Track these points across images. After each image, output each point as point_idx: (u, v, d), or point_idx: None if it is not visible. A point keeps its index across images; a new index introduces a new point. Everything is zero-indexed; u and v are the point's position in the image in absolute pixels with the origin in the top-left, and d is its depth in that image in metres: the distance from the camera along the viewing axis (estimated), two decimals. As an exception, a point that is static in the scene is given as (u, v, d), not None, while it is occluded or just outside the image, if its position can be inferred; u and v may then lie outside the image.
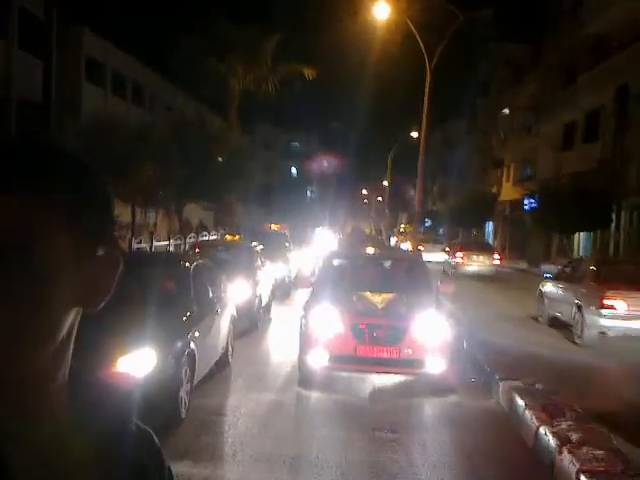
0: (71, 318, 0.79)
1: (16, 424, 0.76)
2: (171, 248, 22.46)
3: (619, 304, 11.91)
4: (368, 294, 9.05)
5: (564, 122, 35.65)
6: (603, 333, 12.04)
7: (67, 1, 28.15)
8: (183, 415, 6.73)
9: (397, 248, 34.67)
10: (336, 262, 10.72)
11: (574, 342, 12.63)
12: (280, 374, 9.18)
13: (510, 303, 18.08)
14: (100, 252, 0.80)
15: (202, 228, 30.22)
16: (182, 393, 6.68)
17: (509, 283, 25.82)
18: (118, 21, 47.56)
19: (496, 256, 29.57)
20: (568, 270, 15.11)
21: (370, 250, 13.67)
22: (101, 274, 0.81)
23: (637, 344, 11.21)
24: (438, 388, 8.40)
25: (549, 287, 15.26)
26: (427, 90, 22.41)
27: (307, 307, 8.92)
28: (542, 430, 6.31)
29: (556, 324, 14.20)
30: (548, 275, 16.29)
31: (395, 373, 8.74)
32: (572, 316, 13.04)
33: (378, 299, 8.88)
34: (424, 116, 23.17)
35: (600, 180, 26.38)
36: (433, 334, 8.34)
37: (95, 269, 0.80)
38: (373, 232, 54.15)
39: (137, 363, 6.11)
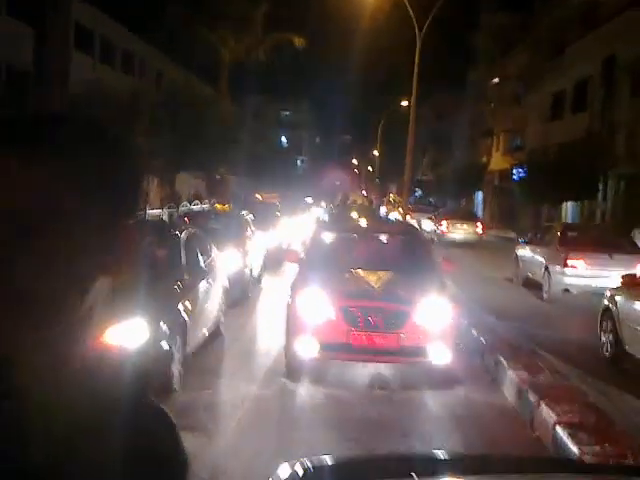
0: (97, 287, 0.82)
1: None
2: (164, 217, 22.42)
3: (580, 264, 13.14)
4: (362, 272, 8.02)
5: (553, 92, 35.61)
6: (567, 290, 13.23)
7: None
8: (176, 387, 6.63)
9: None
10: (326, 236, 9.60)
11: (542, 299, 13.89)
12: (273, 346, 8.82)
13: (490, 267, 19.12)
14: (129, 220, 0.84)
15: (196, 197, 30.14)
16: (174, 364, 6.58)
17: (492, 250, 26.27)
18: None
19: (479, 225, 29.96)
20: (539, 235, 16.40)
21: (362, 221, 13.13)
22: (129, 242, 0.83)
23: (596, 299, 11.81)
24: (442, 379, 7.47)
25: (523, 251, 16.44)
26: (417, 59, 22.30)
27: (294, 288, 7.91)
28: (523, 387, 6.68)
29: (528, 284, 15.44)
30: (522, 240, 17.52)
31: (393, 363, 7.75)
32: (541, 276, 14.31)
33: (374, 278, 7.80)
34: (414, 85, 23.06)
35: (588, 150, 26.47)
36: (437, 318, 7.33)
37: (123, 237, 0.82)
38: (365, 202, 53.77)
39: (127, 334, 5.95)
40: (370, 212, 34.19)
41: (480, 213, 46.10)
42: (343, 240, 9.61)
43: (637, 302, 8.23)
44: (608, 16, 27.79)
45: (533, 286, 14.95)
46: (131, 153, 0.86)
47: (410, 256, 8.88)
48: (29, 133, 0.77)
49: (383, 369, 7.95)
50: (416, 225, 18.15)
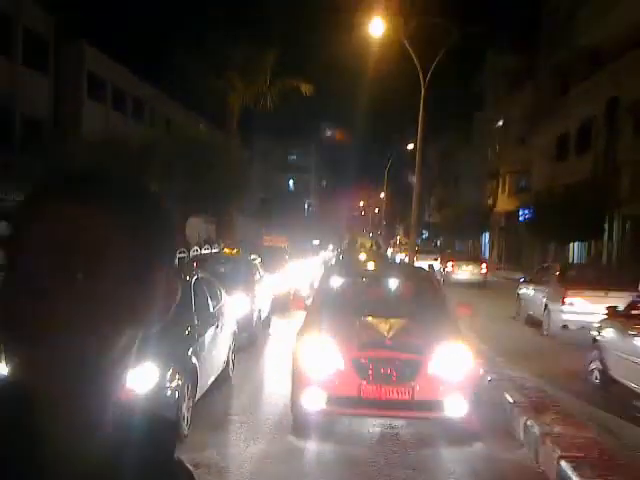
0: (124, 339, 0.84)
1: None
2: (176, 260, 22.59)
3: (578, 302, 13.82)
4: (373, 320, 7.60)
5: (557, 133, 35.95)
6: (565, 326, 13.92)
7: (68, 18, 28.56)
8: (185, 432, 6.63)
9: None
10: (334, 281, 9.14)
11: (542, 335, 14.72)
12: (281, 392, 8.50)
13: (494, 306, 19.66)
14: (160, 276, 0.86)
15: (206, 242, 30.43)
16: (184, 409, 6.58)
17: (497, 290, 26.65)
18: (115, 36, 48.07)
19: (484, 265, 31.02)
20: (540, 275, 17.21)
21: (371, 265, 12.79)
22: (160, 297, 0.86)
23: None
24: (460, 435, 7.07)
25: (524, 290, 17.43)
26: (421, 107, 22.67)
27: (300, 336, 7.43)
28: (529, 423, 6.87)
29: (530, 321, 16.26)
30: (523, 279, 18.51)
31: (407, 417, 7.26)
32: (541, 313, 15.20)
33: (385, 327, 7.31)
34: (419, 131, 23.41)
35: (593, 191, 26.68)
36: (453, 369, 6.86)
37: (154, 292, 0.85)
38: (373, 245, 53.51)
39: (138, 378, 6.00)
40: (378, 255, 34.07)
41: (487, 254, 46.27)
42: (352, 286, 9.20)
43: (618, 331, 9.23)
44: (612, 57, 28.21)
45: (533, 323, 15.87)
46: (167, 209, 0.90)
47: (423, 301, 8.44)
48: (76, 188, 0.82)
49: (395, 423, 7.53)
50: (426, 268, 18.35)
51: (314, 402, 6.87)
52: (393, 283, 9.37)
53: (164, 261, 0.87)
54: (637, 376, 8.32)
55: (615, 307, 9.92)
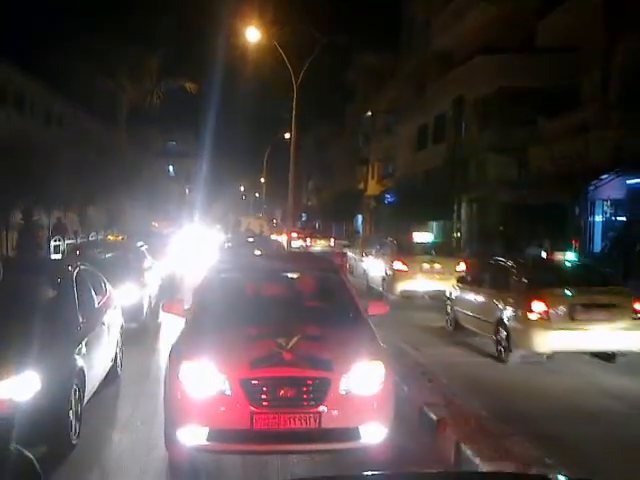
0: None
1: None
2: (60, 248, 21.59)
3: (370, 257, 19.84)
4: (267, 329, 5.71)
5: (418, 125, 37.47)
6: (364, 271, 19.76)
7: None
8: (74, 441, 5.97)
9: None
10: (220, 279, 7.04)
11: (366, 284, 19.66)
12: None
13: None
14: None
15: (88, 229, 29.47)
16: (72, 416, 5.93)
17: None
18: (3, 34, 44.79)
19: (332, 240, 38.62)
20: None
21: (259, 254, 9.97)
22: None
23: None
24: (378, 466, 5.10)
25: (349, 253, 25.04)
26: (294, 103, 23.18)
27: (175, 355, 5.57)
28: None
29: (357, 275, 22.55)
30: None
31: (313, 451, 5.49)
32: (361, 270, 21.66)
33: (283, 337, 5.44)
34: (293, 124, 23.90)
35: (446, 177, 28.28)
36: (369, 386, 5.27)
37: None
38: (264, 231, 50.47)
39: (19, 387, 5.35)
40: (265, 241, 32.27)
41: (361, 234, 47.75)
42: (241, 283, 7.20)
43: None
44: (460, 61, 29.85)
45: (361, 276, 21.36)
46: None
47: (329, 301, 6.76)
48: None
49: (299, 458, 5.72)
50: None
51: (193, 437, 5.15)
52: (292, 278, 7.37)
53: None
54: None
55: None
